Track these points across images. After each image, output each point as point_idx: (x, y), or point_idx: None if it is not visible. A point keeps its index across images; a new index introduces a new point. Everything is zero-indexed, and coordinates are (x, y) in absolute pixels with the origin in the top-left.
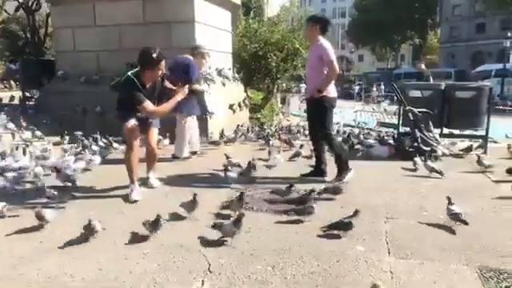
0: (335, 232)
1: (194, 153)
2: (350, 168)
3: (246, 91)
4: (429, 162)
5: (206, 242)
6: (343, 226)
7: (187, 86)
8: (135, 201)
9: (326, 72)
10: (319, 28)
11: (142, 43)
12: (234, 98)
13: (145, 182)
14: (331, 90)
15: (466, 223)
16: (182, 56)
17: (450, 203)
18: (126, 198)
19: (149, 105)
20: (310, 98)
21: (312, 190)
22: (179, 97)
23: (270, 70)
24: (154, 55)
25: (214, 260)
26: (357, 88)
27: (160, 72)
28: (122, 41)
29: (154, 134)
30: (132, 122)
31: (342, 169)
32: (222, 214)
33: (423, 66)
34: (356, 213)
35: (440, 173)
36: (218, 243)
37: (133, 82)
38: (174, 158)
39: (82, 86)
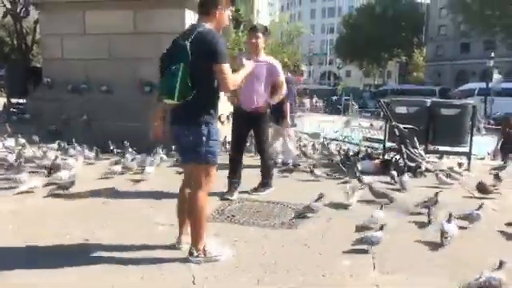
0: None
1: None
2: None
3: None
4: (405, 177)
5: None
6: None
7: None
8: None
9: (277, 90)
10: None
11: (132, 53)
12: (222, 109)
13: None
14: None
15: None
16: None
17: (448, 220)
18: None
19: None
20: (252, 111)
21: None
22: (249, 69)
23: None
24: None
25: (199, 273)
26: (343, 102)
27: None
28: (111, 50)
29: None
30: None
31: (267, 183)
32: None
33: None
34: None
35: (404, 189)
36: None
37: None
38: (284, 164)
39: (69, 95)
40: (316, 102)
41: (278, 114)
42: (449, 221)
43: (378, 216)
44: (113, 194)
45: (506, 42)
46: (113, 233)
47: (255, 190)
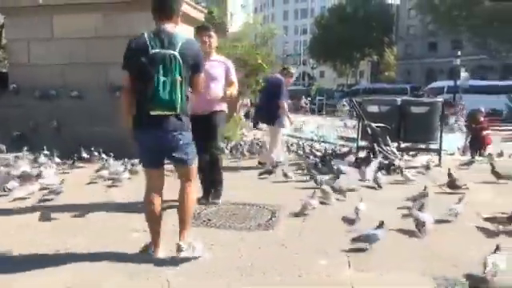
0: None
1: (279, 162)
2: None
3: None
4: (378, 174)
5: None
6: None
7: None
8: None
9: (227, 89)
10: None
11: (102, 57)
12: None
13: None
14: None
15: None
16: (274, 75)
17: (420, 209)
18: None
19: None
20: (207, 111)
21: None
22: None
23: None
24: None
25: (173, 278)
26: (317, 102)
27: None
28: (80, 55)
29: None
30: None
31: (221, 191)
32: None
33: None
34: None
35: (379, 185)
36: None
37: None
38: (260, 164)
39: (37, 101)
40: (306, 103)
41: (269, 114)
42: (421, 210)
43: (362, 208)
44: (87, 200)
45: (472, 41)
46: (86, 240)
47: (213, 198)
